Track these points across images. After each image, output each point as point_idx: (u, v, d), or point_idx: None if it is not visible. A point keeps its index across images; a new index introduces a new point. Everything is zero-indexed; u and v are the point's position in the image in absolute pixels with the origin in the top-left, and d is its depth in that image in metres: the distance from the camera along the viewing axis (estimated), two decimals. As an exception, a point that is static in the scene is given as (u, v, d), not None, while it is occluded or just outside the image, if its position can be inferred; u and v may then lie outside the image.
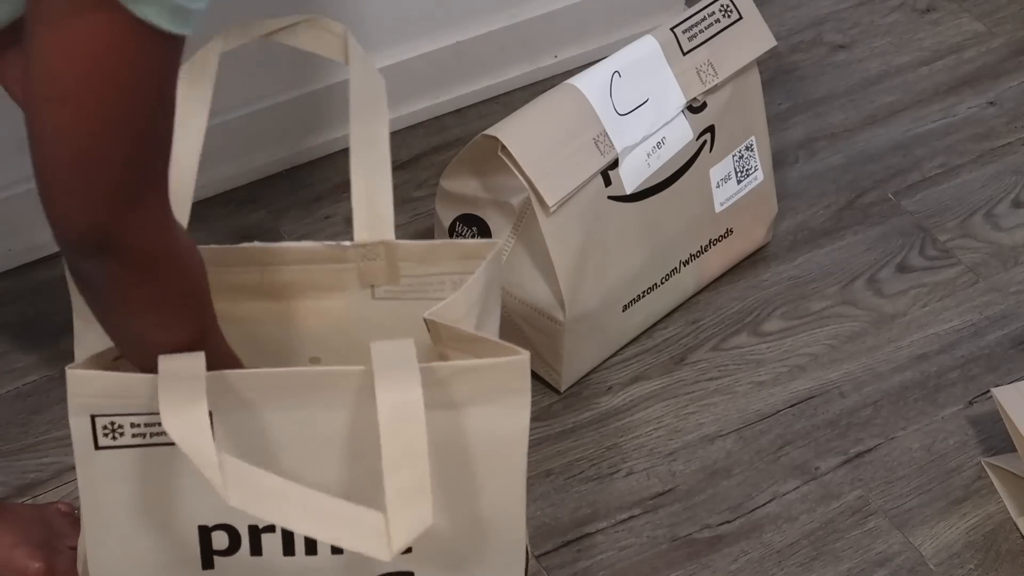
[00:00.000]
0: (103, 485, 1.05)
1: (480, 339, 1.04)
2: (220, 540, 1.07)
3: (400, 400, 0.97)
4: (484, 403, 1.02)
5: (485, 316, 1.09)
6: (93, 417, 1.02)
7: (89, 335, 1.09)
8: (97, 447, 1.03)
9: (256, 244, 1.09)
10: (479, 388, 1.02)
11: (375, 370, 0.98)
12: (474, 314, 1.07)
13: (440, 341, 1.07)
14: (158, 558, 1.08)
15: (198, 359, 0.98)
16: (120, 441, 1.03)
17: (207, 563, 1.08)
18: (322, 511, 0.98)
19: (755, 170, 1.47)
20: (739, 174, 1.45)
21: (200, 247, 1.07)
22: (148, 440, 1.02)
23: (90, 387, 1.01)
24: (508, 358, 1.01)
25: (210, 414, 1.03)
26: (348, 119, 1.60)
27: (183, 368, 0.99)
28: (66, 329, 1.42)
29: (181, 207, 1.05)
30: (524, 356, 1.01)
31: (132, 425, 1.02)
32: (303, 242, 1.10)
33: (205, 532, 1.07)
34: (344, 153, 1.60)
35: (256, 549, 1.07)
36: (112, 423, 1.02)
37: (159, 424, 0.97)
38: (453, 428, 1.03)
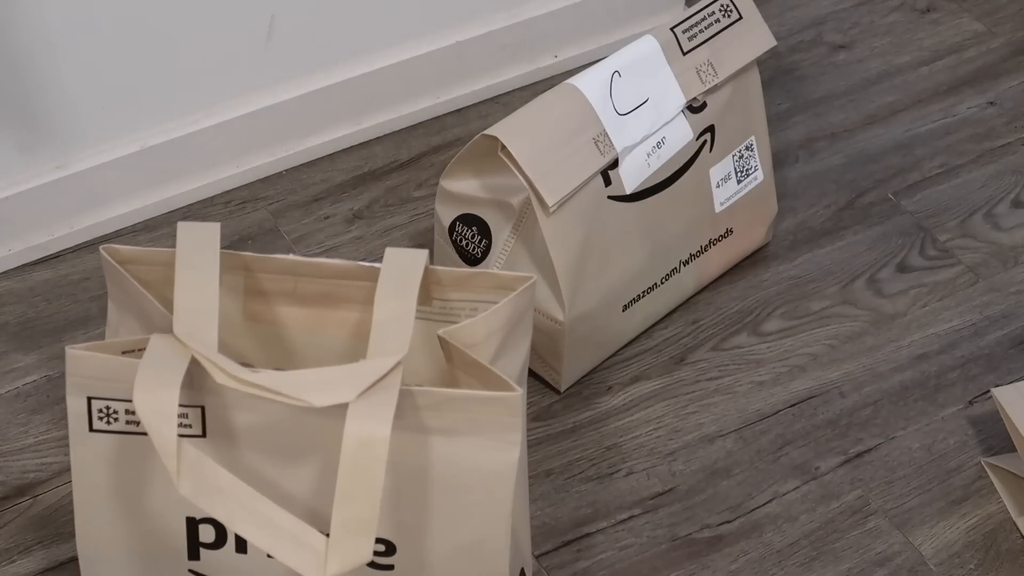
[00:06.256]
0: (94, 467, 1.06)
1: (484, 368, 1.04)
2: (207, 533, 1.08)
3: (367, 435, 0.98)
4: (474, 434, 1.03)
5: (507, 348, 1.09)
6: (89, 399, 1.04)
7: (121, 323, 1.11)
8: (91, 429, 1.05)
9: (291, 256, 1.11)
10: (469, 418, 1.02)
11: (350, 403, 0.99)
12: (493, 343, 1.07)
13: (451, 362, 1.08)
14: (145, 544, 1.09)
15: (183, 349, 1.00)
16: (114, 427, 1.04)
17: (193, 554, 1.09)
18: (268, 519, 1.00)
19: (755, 170, 1.47)
20: (739, 174, 1.45)
21: (239, 253, 1.10)
22: (140, 428, 1.03)
23: (87, 368, 1.02)
24: (500, 393, 1.01)
25: (202, 409, 1.04)
26: (347, 117, 1.62)
27: (168, 352, 1.00)
28: (66, 329, 1.43)
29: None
30: (516, 393, 1.01)
31: (126, 412, 1.03)
32: (337, 260, 1.11)
33: (192, 524, 1.08)
34: (343, 153, 1.62)
35: (241, 547, 1.08)
36: (107, 407, 1.03)
37: None
38: (439, 454, 1.04)
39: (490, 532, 1.06)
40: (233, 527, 1.00)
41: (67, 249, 1.50)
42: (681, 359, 1.43)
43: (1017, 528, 1.30)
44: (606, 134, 1.32)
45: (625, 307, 1.40)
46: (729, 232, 1.47)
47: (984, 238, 1.55)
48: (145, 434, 1.02)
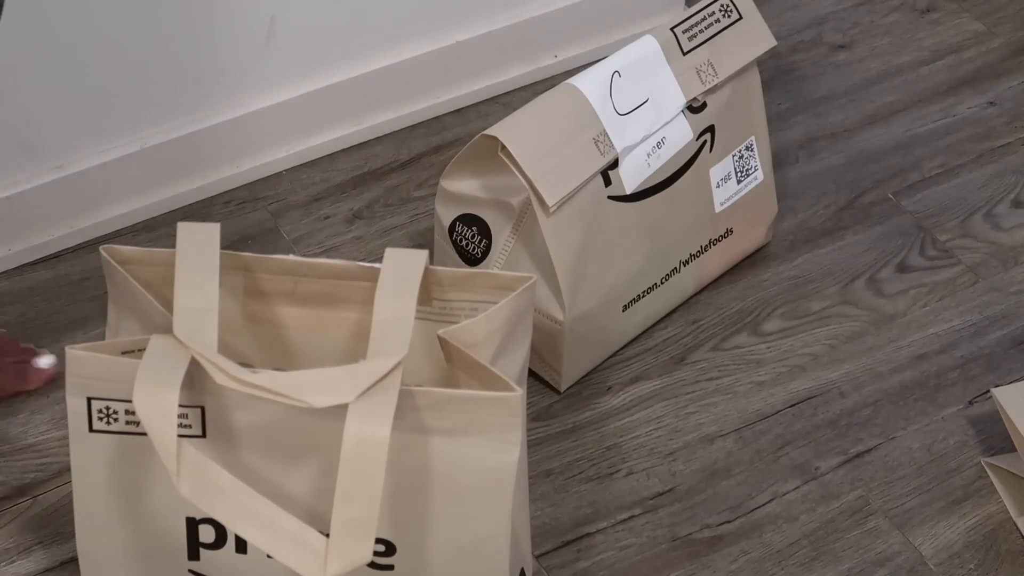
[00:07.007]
0: (94, 467, 1.06)
1: (484, 368, 1.04)
2: (207, 533, 1.08)
3: (367, 436, 0.98)
4: (474, 434, 1.03)
5: (507, 348, 1.09)
6: (89, 400, 1.04)
7: (121, 323, 1.11)
8: (91, 430, 1.05)
9: (291, 257, 1.11)
10: (469, 419, 1.02)
11: (350, 404, 0.99)
12: (493, 343, 1.07)
13: (451, 362, 1.08)
14: (145, 544, 1.09)
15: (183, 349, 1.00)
16: (114, 427, 1.04)
17: (193, 554, 1.09)
18: (268, 519, 1.00)
19: (755, 170, 1.46)
20: (739, 174, 1.45)
21: (239, 254, 1.10)
22: (140, 428, 1.03)
23: (87, 368, 1.02)
24: (500, 393, 1.01)
25: (202, 409, 1.04)
26: (347, 117, 1.62)
27: (168, 353, 1.00)
28: (66, 329, 1.43)
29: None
30: (516, 393, 1.01)
31: (126, 412, 1.04)
32: (337, 260, 1.11)
33: (192, 524, 1.08)
34: (343, 153, 1.61)
35: (241, 547, 1.08)
36: (107, 407, 1.04)
37: None
38: (439, 454, 1.04)
39: (490, 532, 1.06)
40: (233, 527, 1.00)
41: (67, 249, 1.50)
42: (681, 359, 1.43)
43: (1017, 528, 1.30)
44: (606, 134, 1.32)
45: (625, 307, 1.40)
46: (729, 232, 1.47)
47: (984, 238, 1.55)
48: (145, 434, 1.02)
